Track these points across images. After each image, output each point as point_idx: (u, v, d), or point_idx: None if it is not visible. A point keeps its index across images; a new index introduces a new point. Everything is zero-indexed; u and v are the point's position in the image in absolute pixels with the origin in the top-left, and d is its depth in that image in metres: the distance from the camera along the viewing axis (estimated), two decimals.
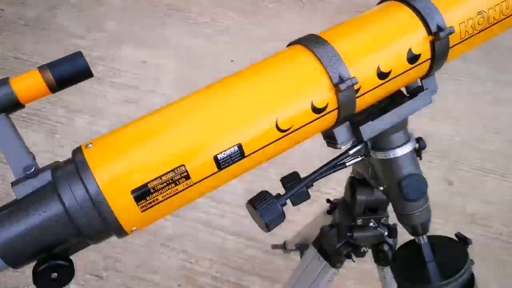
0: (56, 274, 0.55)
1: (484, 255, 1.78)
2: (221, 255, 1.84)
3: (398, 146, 0.75)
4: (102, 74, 2.68)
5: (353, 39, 0.68)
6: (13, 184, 0.56)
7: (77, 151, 0.59)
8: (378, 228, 0.92)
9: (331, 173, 0.73)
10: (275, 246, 1.80)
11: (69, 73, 0.60)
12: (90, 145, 0.59)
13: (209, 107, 0.63)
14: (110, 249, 1.84)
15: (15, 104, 0.58)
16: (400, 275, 0.81)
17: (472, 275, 0.78)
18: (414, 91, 0.75)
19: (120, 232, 0.58)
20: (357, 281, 1.79)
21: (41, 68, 0.59)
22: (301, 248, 1.58)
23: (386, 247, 0.96)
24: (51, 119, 2.41)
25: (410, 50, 0.67)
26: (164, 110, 0.64)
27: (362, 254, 0.98)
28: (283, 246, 1.77)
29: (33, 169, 0.56)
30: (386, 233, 0.93)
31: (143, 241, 1.88)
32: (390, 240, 0.97)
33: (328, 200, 1.06)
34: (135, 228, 0.59)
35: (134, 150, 0.59)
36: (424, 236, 0.79)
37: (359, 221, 0.92)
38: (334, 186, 1.96)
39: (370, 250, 0.99)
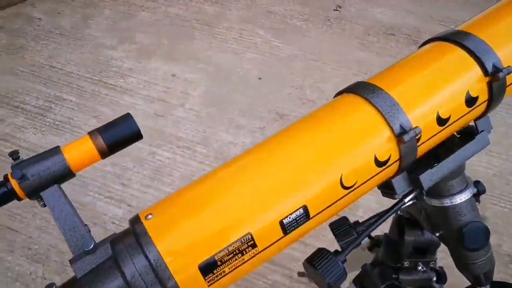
0: None
1: None
2: (246, 278, 1.81)
3: (457, 193, 0.72)
4: (133, 86, 2.70)
5: (408, 85, 0.66)
6: (72, 261, 0.54)
7: (136, 222, 0.56)
8: (427, 272, 0.88)
9: (380, 223, 0.70)
10: (301, 274, 1.76)
11: (120, 137, 0.58)
12: (150, 216, 0.55)
13: (272, 167, 0.60)
14: None
15: (67, 174, 0.57)
16: None
17: None
18: (465, 132, 0.72)
19: None
20: None
21: (92, 134, 0.58)
22: None
23: None
24: (83, 128, 2.42)
25: (468, 93, 0.65)
26: (223, 172, 0.62)
27: None
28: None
29: (92, 245, 0.54)
30: (434, 278, 0.90)
31: None
32: (437, 286, 0.93)
33: (369, 236, 1.03)
34: None
35: (198, 219, 0.56)
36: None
37: (406, 263, 0.89)
38: (361, 213, 1.93)
39: None
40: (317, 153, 0.61)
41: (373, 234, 1.04)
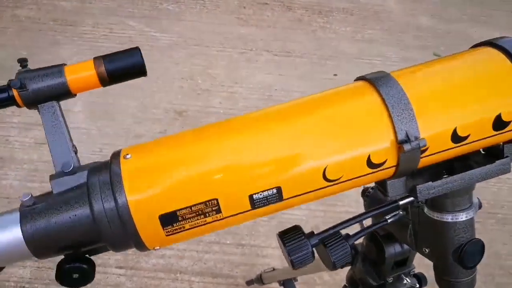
0: (77, 274, 0.57)
1: None
2: None
3: (462, 210, 0.65)
4: None
5: (431, 87, 0.57)
6: (51, 177, 0.57)
7: (115, 158, 0.57)
8: (411, 282, 0.86)
9: (372, 228, 0.64)
10: (250, 282, 1.69)
11: (123, 68, 0.59)
12: (128, 156, 0.57)
13: (258, 140, 0.56)
14: None
15: (67, 93, 0.59)
16: None
17: None
18: (491, 151, 0.62)
19: (142, 248, 0.57)
20: None
21: (96, 59, 0.59)
22: (285, 284, 1.50)
23: None
24: None
25: (499, 115, 0.56)
26: (210, 131, 0.59)
27: None
28: (260, 281, 1.67)
29: (71, 167, 0.57)
30: (417, 285, 0.88)
31: None
32: None
33: None
34: (157, 247, 0.58)
35: (171, 173, 0.56)
36: None
37: (390, 280, 0.86)
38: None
39: None
40: (306, 137, 0.56)
41: None
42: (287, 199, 0.56)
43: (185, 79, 2.64)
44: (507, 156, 0.61)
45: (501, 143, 0.62)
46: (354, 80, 0.62)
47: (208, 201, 0.55)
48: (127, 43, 2.81)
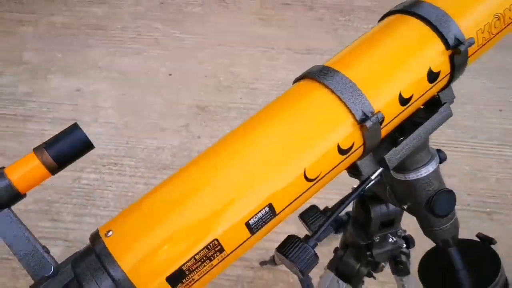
0: None
1: None
2: None
3: (423, 166, 0.72)
4: (35, 111, 2.47)
5: (367, 66, 0.63)
6: (33, 287, 0.52)
7: (96, 239, 0.53)
8: (397, 242, 0.91)
9: (346, 206, 0.69)
10: (264, 263, 1.76)
11: (68, 149, 0.56)
12: (110, 233, 0.53)
13: (231, 168, 0.58)
14: None
15: (16, 196, 0.54)
16: (432, 286, 0.81)
17: (506, 280, 0.78)
18: (430, 104, 0.70)
19: None
20: None
21: (36, 150, 0.55)
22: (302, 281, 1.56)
23: (404, 258, 0.96)
24: None
25: (429, 69, 0.63)
26: (181, 178, 0.58)
27: (381, 269, 0.98)
28: (272, 261, 1.73)
29: (52, 269, 0.52)
30: (404, 245, 0.93)
31: None
32: (406, 250, 0.97)
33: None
34: None
35: (160, 230, 0.54)
36: (455, 248, 0.79)
37: (377, 239, 0.91)
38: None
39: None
40: (277, 149, 0.59)
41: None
42: (280, 212, 0.57)
43: (208, 77, 2.75)
44: (445, 102, 0.69)
45: (437, 94, 0.69)
46: (294, 82, 0.66)
47: (209, 244, 0.53)
48: (153, 45, 2.95)
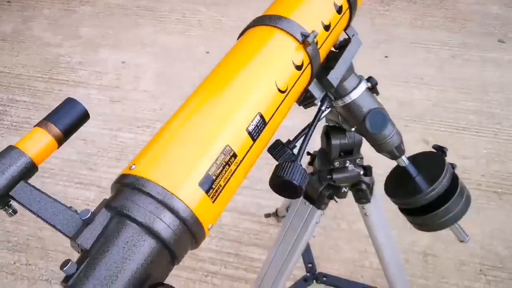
0: None
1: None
2: (218, 230, 1.94)
3: (353, 90, 0.88)
4: (85, 78, 2.75)
5: (294, 7, 0.80)
6: (73, 238, 0.52)
7: (123, 178, 0.57)
8: (355, 168, 1.03)
9: (313, 131, 0.82)
10: (268, 215, 1.91)
11: (72, 121, 0.61)
12: (133, 166, 0.58)
13: (225, 94, 0.69)
14: None
15: (31, 168, 0.57)
16: (396, 196, 0.93)
17: (454, 173, 0.91)
18: (343, 44, 0.89)
19: (199, 233, 0.57)
20: (348, 240, 1.91)
21: (41, 126, 0.59)
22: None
23: (364, 186, 1.07)
24: None
25: (335, 4, 0.83)
26: (189, 106, 0.69)
27: (343, 195, 1.09)
28: (275, 214, 1.87)
29: (89, 214, 0.52)
30: (362, 172, 1.04)
31: None
32: (367, 179, 1.08)
33: (308, 153, 1.17)
34: (211, 225, 0.59)
35: (180, 147, 0.61)
36: (404, 158, 0.93)
37: (337, 164, 1.03)
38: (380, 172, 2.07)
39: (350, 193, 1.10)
40: (257, 75, 0.72)
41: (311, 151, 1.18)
42: (269, 120, 0.69)
43: None
44: (353, 35, 0.90)
45: (344, 32, 0.89)
46: (240, 35, 0.81)
47: (224, 149, 0.61)
48: (196, 26, 3.17)
